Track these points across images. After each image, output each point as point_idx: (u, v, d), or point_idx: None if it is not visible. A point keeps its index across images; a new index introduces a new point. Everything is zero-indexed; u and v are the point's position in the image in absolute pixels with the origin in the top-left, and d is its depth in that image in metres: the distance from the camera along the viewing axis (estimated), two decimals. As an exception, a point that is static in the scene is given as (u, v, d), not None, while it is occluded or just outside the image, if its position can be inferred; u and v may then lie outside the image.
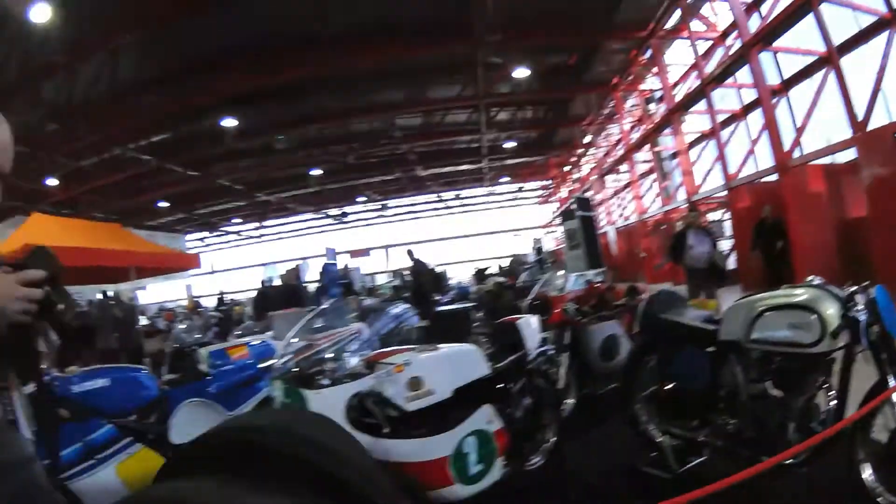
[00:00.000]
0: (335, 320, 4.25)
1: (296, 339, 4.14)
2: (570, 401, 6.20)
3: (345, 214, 39.23)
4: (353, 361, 3.95)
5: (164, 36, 13.60)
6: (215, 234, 40.66)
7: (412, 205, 40.19)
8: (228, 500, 0.58)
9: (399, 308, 8.37)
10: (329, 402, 3.63)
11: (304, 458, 0.66)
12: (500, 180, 35.96)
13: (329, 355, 3.91)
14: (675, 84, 19.41)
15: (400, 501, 0.77)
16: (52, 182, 20.81)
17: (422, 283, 15.30)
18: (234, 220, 37.95)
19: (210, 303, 25.03)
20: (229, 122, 18.04)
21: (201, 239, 41.00)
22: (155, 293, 31.67)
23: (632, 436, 4.67)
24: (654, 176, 22.88)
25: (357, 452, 0.75)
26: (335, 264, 18.80)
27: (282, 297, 15.10)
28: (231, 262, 42.56)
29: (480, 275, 19.98)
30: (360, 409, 3.68)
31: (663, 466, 4.26)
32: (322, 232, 42.43)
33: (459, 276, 26.31)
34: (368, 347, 4.22)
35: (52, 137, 16.88)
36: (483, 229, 41.79)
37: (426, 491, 3.73)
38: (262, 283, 17.57)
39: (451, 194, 38.49)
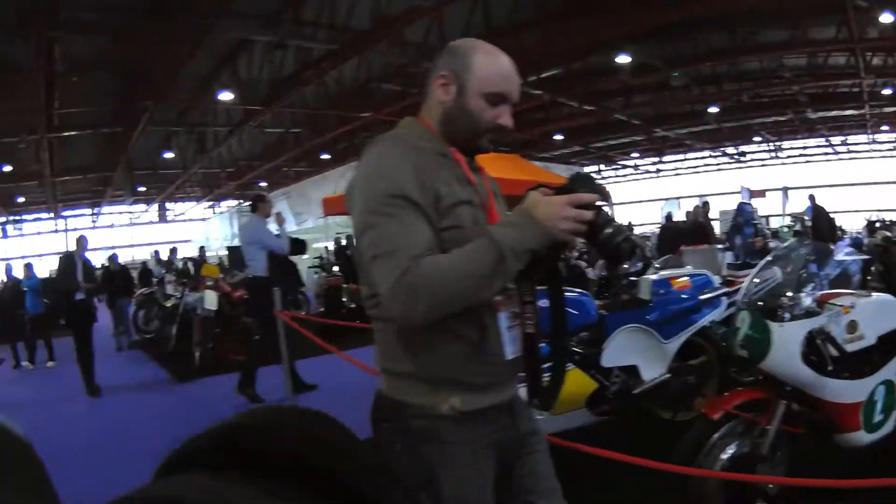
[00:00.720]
0: (780, 263, 4.28)
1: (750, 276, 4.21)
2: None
3: (742, 154, 38.50)
4: (808, 301, 4.00)
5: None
6: (611, 167, 41.64)
7: (803, 147, 38.01)
8: (230, 499, 0.56)
9: (841, 254, 8.15)
10: (790, 335, 3.75)
11: (312, 460, 0.64)
12: (882, 129, 32.66)
13: (789, 293, 3.97)
14: None
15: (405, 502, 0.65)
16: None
17: (819, 229, 14.88)
18: (632, 155, 38.80)
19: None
20: (623, 59, 18.20)
21: (598, 171, 42.01)
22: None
23: None
24: None
25: (364, 452, 0.70)
26: (750, 204, 18.42)
27: (687, 233, 15.05)
28: (627, 196, 43.28)
29: (872, 227, 18.87)
30: (809, 345, 3.80)
31: None
32: (719, 170, 41.92)
33: (846, 224, 25.13)
34: (819, 288, 4.24)
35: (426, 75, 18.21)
36: (866, 178, 38.15)
37: (836, 433, 3.92)
38: (665, 218, 17.67)
39: (838, 140, 35.94)
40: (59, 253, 12.23)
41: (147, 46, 15.07)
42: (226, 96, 18.21)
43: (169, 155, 27.72)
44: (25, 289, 13.73)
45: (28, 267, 14.37)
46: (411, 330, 1.95)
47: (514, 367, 2.12)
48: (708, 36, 18.66)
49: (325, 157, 29.82)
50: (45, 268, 31.83)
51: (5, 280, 15.81)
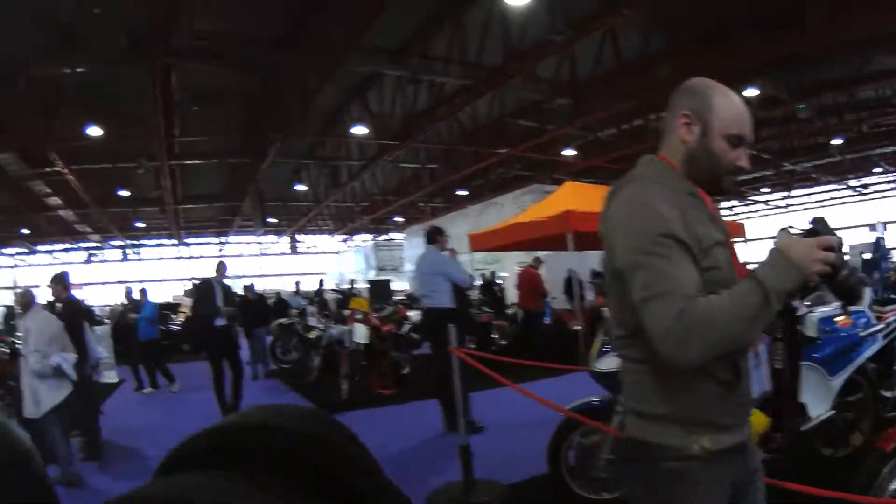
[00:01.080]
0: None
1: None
2: None
3: (865, 186, 38.10)
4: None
5: (669, 10, 14.16)
6: (743, 203, 41.53)
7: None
8: (230, 498, 0.58)
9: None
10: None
11: (311, 460, 0.69)
12: None
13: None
14: None
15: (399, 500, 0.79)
16: (569, 153, 23.10)
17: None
18: (762, 190, 38.67)
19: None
20: (751, 92, 18.23)
21: (730, 208, 42.51)
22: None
23: None
24: None
25: (363, 453, 0.77)
26: (884, 238, 18.28)
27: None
28: (759, 232, 42.92)
29: None
30: None
31: None
32: (843, 203, 41.36)
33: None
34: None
35: (562, 111, 18.61)
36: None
37: None
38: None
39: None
40: (182, 279, 12.47)
41: (274, 79, 15.95)
42: (359, 130, 18.98)
43: (300, 187, 28.93)
44: (136, 318, 13.87)
45: (142, 293, 14.52)
46: (670, 371, 1.97)
47: (752, 405, 2.22)
48: (828, 66, 18.65)
49: (462, 192, 30.45)
50: (168, 293, 33.28)
51: (126, 303, 16.19)
